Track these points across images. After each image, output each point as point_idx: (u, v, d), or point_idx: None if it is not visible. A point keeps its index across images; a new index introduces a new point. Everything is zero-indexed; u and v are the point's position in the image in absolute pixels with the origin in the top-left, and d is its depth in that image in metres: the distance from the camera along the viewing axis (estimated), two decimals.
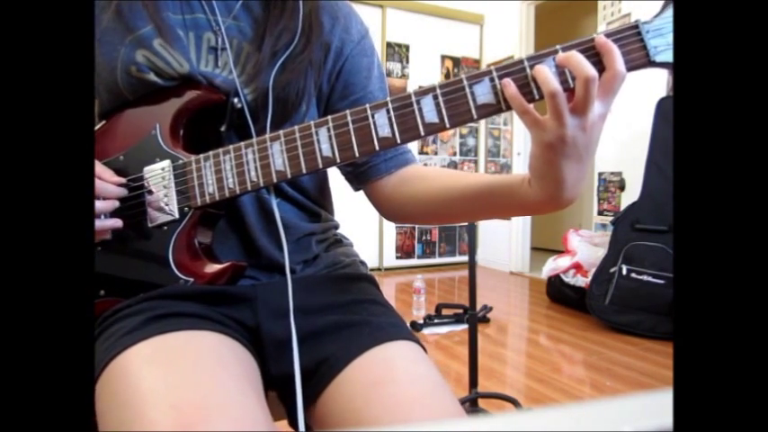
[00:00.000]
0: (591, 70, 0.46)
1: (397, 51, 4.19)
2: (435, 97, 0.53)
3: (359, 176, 0.71)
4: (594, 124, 0.48)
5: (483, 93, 0.52)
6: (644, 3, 2.96)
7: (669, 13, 0.49)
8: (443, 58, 4.41)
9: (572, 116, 0.48)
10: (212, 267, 0.61)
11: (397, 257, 4.27)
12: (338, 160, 0.56)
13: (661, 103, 2.67)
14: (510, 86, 0.49)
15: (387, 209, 0.72)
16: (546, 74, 0.48)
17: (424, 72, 4.29)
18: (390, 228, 4.20)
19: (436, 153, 4.41)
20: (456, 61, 4.47)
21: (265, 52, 0.63)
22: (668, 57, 0.48)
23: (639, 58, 0.49)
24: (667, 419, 0.22)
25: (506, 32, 4.26)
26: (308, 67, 0.64)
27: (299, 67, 0.63)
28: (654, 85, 2.89)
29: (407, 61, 4.23)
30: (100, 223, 0.59)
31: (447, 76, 4.42)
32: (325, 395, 0.56)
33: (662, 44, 0.48)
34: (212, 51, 0.63)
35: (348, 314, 0.62)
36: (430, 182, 0.66)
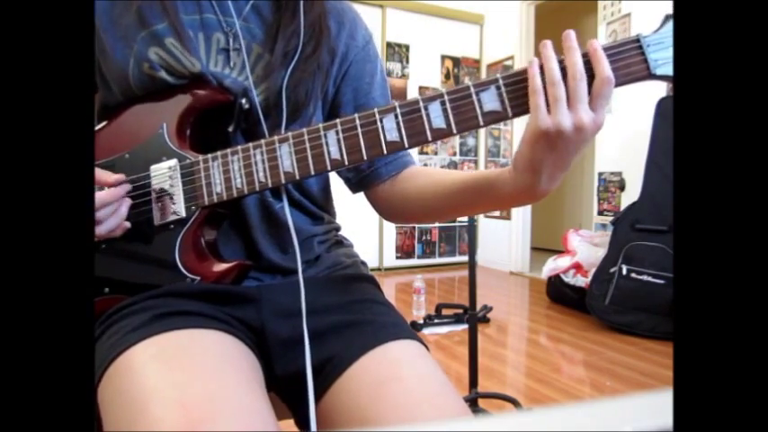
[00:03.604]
0: (608, 72, 0.49)
1: (397, 51, 4.19)
2: (443, 103, 0.54)
3: (361, 181, 0.72)
4: (586, 125, 0.49)
5: (489, 100, 0.53)
6: (644, 3, 2.96)
7: (670, 27, 0.50)
8: (443, 58, 4.41)
9: (569, 110, 0.49)
10: (219, 266, 0.61)
11: (397, 257, 4.27)
12: (347, 163, 0.57)
13: (661, 103, 2.67)
14: (534, 65, 0.51)
15: (384, 209, 0.74)
16: (552, 62, 0.50)
17: (424, 72, 4.29)
18: (390, 228, 4.20)
19: (436, 153, 4.41)
20: (456, 61, 4.47)
21: (277, 54, 0.63)
22: (668, 70, 0.50)
23: (640, 71, 0.50)
24: (667, 419, 0.22)
25: (506, 32, 4.26)
26: (316, 70, 0.65)
27: (309, 69, 0.64)
28: (654, 85, 2.88)
29: (407, 61, 4.23)
30: (104, 227, 0.58)
31: (447, 75, 4.42)
32: (329, 393, 0.56)
33: (663, 58, 0.50)
34: (222, 52, 0.63)
35: (351, 314, 0.62)
36: (422, 179, 0.69)
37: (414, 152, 4.65)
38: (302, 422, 0.61)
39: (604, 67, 0.49)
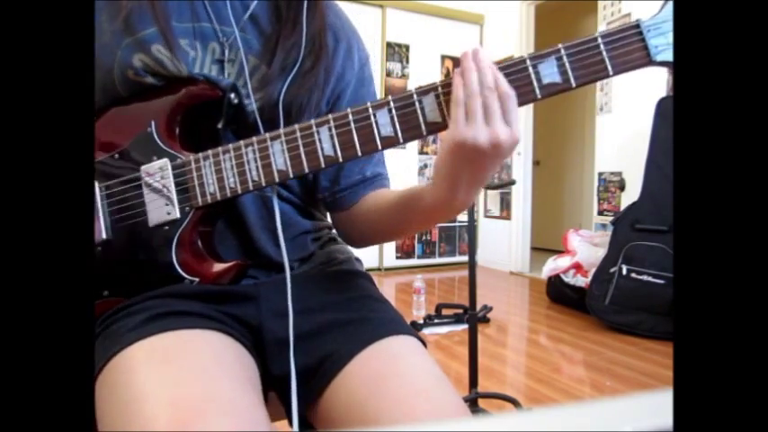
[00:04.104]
0: (506, 86, 0.50)
1: (397, 51, 4.19)
2: (437, 96, 0.53)
3: (338, 201, 0.71)
4: (501, 140, 0.50)
5: None
6: (644, 3, 2.96)
7: (668, 10, 0.49)
8: (443, 58, 4.41)
9: (486, 124, 0.50)
10: (216, 266, 0.61)
11: (397, 257, 4.27)
12: (341, 159, 0.56)
13: (661, 103, 2.67)
14: (458, 75, 0.51)
15: (349, 233, 0.73)
16: (470, 74, 0.50)
17: (424, 72, 4.29)
18: None
19: (436, 153, 4.41)
20: (456, 61, 4.46)
21: (275, 66, 0.63)
22: (669, 56, 0.49)
23: (640, 58, 0.49)
24: (667, 419, 0.22)
25: (506, 32, 4.26)
26: (313, 86, 0.65)
27: (307, 85, 0.64)
28: (654, 85, 2.89)
29: (407, 61, 4.23)
30: None
31: (447, 76, 4.41)
32: (328, 391, 0.56)
33: (662, 43, 0.49)
34: (216, 63, 0.63)
35: (347, 311, 0.62)
36: (375, 200, 0.69)
37: (413, 150, 4.64)
38: (300, 422, 0.61)
39: (501, 83, 0.50)
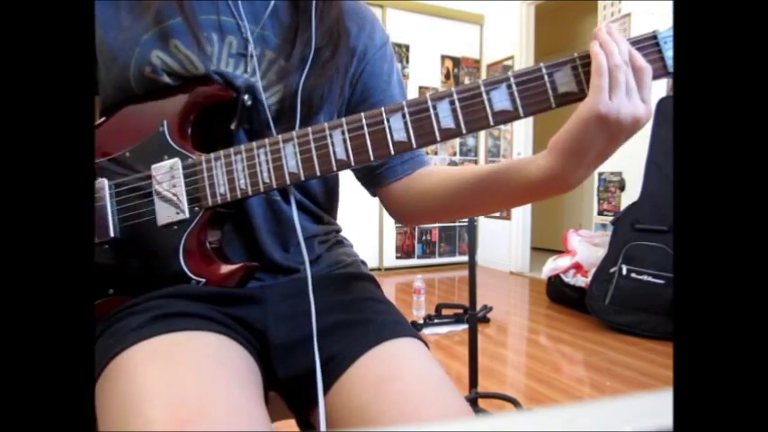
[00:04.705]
0: (643, 61, 0.50)
1: (397, 51, 4.19)
2: (452, 102, 0.53)
3: (375, 179, 0.71)
4: (641, 116, 0.50)
5: (500, 99, 0.52)
6: (644, 3, 2.96)
7: None
8: (443, 58, 4.41)
9: (627, 98, 0.50)
10: (224, 268, 0.61)
11: (397, 257, 4.27)
12: (353, 163, 0.56)
13: (661, 103, 2.67)
14: (596, 45, 0.50)
15: (399, 210, 0.72)
16: (612, 46, 0.49)
17: (424, 72, 4.29)
18: (390, 228, 4.20)
19: (436, 153, 4.41)
20: (456, 61, 4.47)
21: (294, 58, 0.63)
22: None
23: (657, 70, 0.50)
24: (667, 419, 0.22)
25: (506, 32, 4.26)
26: (334, 74, 0.65)
27: (327, 74, 0.64)
28: (654, 85, 2.88)
29: (407, 61, 4.23)
30: None
31: (447, 75, 4.43)
32: (331, 393, 0.56)
33: None
34: (234, 56, 0.63)
35: (351, 313, 0.62)
36: (440, 175, 0.67)
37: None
38: (304, 422, 0.61)
39: (636, 57, 0.50)
